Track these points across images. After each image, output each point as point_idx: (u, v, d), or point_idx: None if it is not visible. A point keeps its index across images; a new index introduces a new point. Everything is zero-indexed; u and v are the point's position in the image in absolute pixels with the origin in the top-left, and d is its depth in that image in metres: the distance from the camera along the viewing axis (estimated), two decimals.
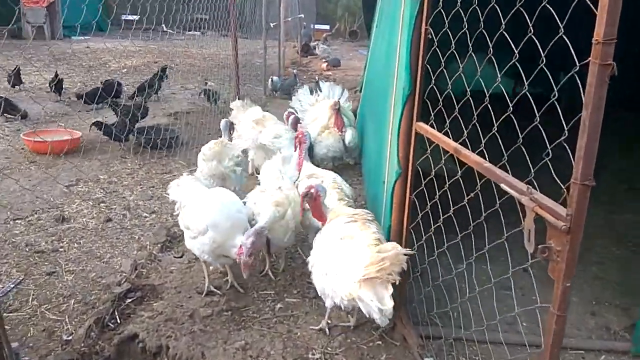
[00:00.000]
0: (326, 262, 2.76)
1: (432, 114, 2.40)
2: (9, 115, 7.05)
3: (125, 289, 3.28)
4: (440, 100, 2.30)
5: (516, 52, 1.70)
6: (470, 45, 2.06)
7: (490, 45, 1.90)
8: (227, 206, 3.23)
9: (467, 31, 2.10)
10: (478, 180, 1.91)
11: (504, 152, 1.76)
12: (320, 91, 6.44)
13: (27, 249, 3.75)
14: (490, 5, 1.91)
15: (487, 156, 1.90)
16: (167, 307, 3.17)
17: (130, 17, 16.00)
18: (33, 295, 3.22)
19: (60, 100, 8.47)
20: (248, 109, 5.68)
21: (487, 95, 1.85)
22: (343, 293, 2.56)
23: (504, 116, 1.74)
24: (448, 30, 2.21)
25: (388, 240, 2.84)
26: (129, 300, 3.23)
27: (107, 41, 14.21)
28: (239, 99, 6.68)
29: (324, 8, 22.95)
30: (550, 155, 1.50)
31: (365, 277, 2.41)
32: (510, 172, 1.73)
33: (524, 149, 1.64)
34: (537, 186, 1.58)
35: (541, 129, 1.57)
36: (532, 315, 3.14)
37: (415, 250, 2.69)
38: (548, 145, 1.49)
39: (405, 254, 2.44)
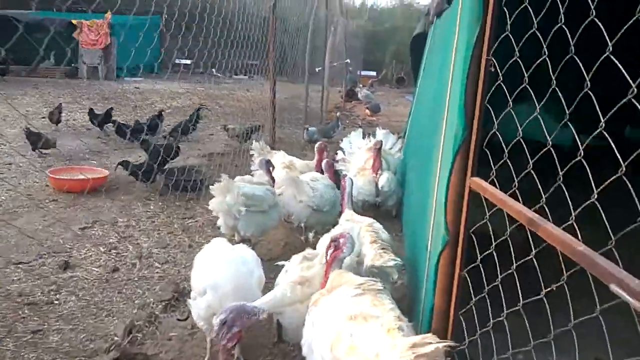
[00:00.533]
0: (330, 347, 1.95)
1: (494, 168, 1.82)
2: (44, 151, 6.97)
3: (112, 357, 2.77)
4: (506, 151, 1.73)
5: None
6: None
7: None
8: (235, 264, 2.70)
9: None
10: (564, 269, 1.30)
11: (609, 230, 1.16)
12: (374, 137, 5.95)
13: (18, 300, 3.34)
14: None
15: (578, 233, 1.30)
16: None
17: (184, 62, 16.52)
18: (9, 358, 2.76)
19: (102, 136, 8.46)
20: (268, 152, 5.26)
21: (581, 147, 1.26)
22: None
23: (611, 179, 1.15)
24: (519, 59, 1.66)
25: (429, 326, 2.22)
26: None
27: (157, 83, 14.57)
28: (274, 142, 6.30)
29: (372, 55, 22.95)
30: None
31: None
32: (619, 262, 1.13)
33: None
34: None
35: None
36: None
37: (466, 345, 2.05)
38: None
39: (448, 346, 1.71)
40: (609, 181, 1.13)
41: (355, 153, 5.71)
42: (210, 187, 4.00)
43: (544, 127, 1.65)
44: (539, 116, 1.60)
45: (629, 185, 1.17)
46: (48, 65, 15.44)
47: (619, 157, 1.11)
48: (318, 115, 12.01)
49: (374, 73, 21.69)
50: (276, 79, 6.61)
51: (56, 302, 3.39)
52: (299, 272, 2.62)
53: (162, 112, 9.07)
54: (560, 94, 1.49)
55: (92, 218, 4.80)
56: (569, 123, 1.45)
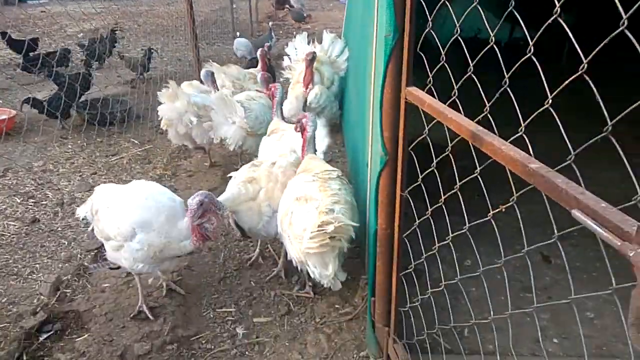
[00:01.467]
0: (281, 221, 2.50)
1: (431, 74, 1.58)
2: None
3: (39, 320, 2.53)
4: (443, 53, 1.48)
5: None
6: None
7: None
8: (154, 197, 2.45)
9: None
10: (514, 189, 1.14)
11: (569, 145, 0.98)
12: (320, 43, 5.38)
13: None
14: None
15: (530, 146, 1.11)
16: (92, 343, 2.43)
17: None
18: None
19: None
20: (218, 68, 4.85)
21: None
22: (294, 256, 2.41)
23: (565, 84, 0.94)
24: None
25: (374, 249, 2.09)
26: (44, 336, 2.49)
27: (66, 4, 12.97)
28: (198, 61, 5.75)
29: None
30: None
31: (307, 252, 2.23)
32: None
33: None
34: None
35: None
36: (564, 325, 2.47)
37: (412, 269, 1.94)
38: None
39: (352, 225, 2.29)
40: (568, 81, 0.92)
41: (300, 61, 5.24)
42: (158, 93, 4.00)
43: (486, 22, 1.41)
44: (479, 8, 1.35)
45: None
46: None
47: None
48: (248, 27, 11.17)
49: None
50: None
51: None
52: (247, 173, 2.76)
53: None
54: None
55: (2, 165, 4.29)
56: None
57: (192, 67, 7.16)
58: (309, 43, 5.45)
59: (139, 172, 4.29)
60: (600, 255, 0.85)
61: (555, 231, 1.07)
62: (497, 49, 1.21)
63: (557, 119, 0.96)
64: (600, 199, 0.84)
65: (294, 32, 11.61)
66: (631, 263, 0.75)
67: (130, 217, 2.36)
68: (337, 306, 2.75)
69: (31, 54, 7.23)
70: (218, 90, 4.21)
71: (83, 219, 2.68)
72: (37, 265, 3.04)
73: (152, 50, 6.97)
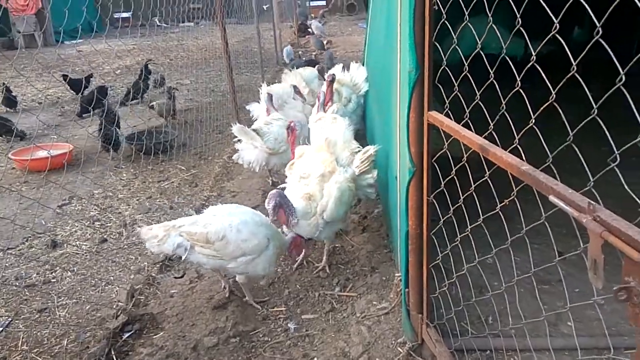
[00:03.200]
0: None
1: (447, 101, 1.99)
2: (7, 137, 6.66)
3: (121, 322, 2.97)
4: (456, 84, 1.89)
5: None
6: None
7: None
8: (255, 213, 3.10)
9: None
10: (514, 185, 1.52)
11: (546, 148, 1.37)
12: (348, 71, 5.97)
13: (17, 284, 3.46)
14: None
15: (522, 153, 1.50)
16: (168, 339, 2.86)
17: (123, 15, 15.66)
18: (23, 338, 2.93)
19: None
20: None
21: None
22: None
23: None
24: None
25: (406, 247, 2.48)
26: (127, 335, 2.92)
27: (101, 42, 13.88)
28: (234, 91, 6.29)
29: None
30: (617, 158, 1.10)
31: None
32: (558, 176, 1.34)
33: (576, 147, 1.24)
34: (598, 197, 1.19)
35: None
36: (577, 311, 2.79)
37: (440, 260, 2.32)
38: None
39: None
40: (561, 83, 1.30)
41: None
42: (234, 128, 4.44)
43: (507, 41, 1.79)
44: (494, 27, 1.70)
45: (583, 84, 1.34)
46: None
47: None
48: (273, 56, 11.81)
49: (323, 2, 21.08)
50: (225, 24, 6.45)
51: (53, 280, 3.53)
52: (301, 188, 3.24)
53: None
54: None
55: (67, 194, 4.83)
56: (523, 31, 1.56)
57: (225, 96, 7.74)
58: (342, 70, 6.01)
59: (188, 194, 4.78)
60: (607, 250, 1.15)
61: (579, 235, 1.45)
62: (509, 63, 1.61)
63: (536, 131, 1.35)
64: (568, 187, 1.23)
65: (315, 57, 12.19)
66: (585, 227, 1.13)
67: (261, 231, 2.90)
68: (374, 303, 3.11)
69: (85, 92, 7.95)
70: (276, 110, 4.79)
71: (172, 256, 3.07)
72: (111, 277, 3.50)
73: (172, 90, 7.21)
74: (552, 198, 1.24)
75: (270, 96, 4.84)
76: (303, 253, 3.43)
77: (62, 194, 4.84)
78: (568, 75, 1.19)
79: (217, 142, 6.26)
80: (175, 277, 3.47)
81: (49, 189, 5.00)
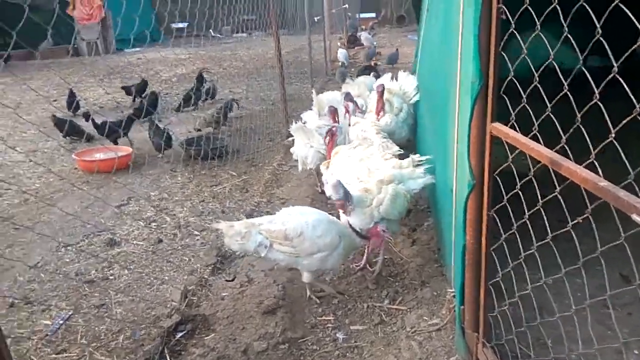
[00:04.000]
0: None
1: (513, 113, 1.94)
2: (75, 137, 7.03)
3: (174, 321, 3.05)
4: (524, 95, 1.83)
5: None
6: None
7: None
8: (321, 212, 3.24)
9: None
10: (588, 203, 1.46)
11: (627, 162, 1.30)
12: (396, 80, 6.03)
13: (77, 279, 3.62)
14: None
15: (598, 168, 1.43)
16: (219, 341, 2.90)
17: (180, 25, 16.29)
18: (81, 332, 3.05)
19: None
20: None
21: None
22: None
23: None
24: (529, 7, 1.74)
25: (463, 263, 2.41)
26: (180, 334, 2.99)
27: (159, 51, 14.51)
28: (285, 100, 6.39)
29: None
30: None
31: None
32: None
33: None
34: None
35: None
36: None
37: (500, 278, 2.24)
38: None
39: None
40: (628, 118, 1.25)
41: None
42: (293, 127, 4.72)
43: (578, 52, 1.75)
44: (565, 46, 1.66)
45: None
46: (48, 46, 15.34)
47: None
48: (322, 67, 11.93)
49: (373, 15, 21.13)
50: (279, 35, 6.58)
51: (111, 277, 3.68)
52: (358, 185, 3.42)
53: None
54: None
55: (126, 195, 5.03)
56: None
57: (276, 105, 7.87)
58: (391, 79, 6.04)
59: (239, 199, 4.88)
60: None
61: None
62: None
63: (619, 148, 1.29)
64: None
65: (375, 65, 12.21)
66: None
67: (334, 229, 3.03)
68: (425, 318, 3.05)
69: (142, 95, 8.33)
70: (338, 122, 4.93)
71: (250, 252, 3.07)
72: (166, 277, 3.61)
73: (232, 102, 7.40)
74: (635, 217, 1.18)
75: (334, 109, 4.99)
76: (381, 245, 3.43)
77: (121, 195, 5.04)
78: None
79: (268, 150, 6.36)
80: (227, 280, 3.53)
81: (108, 190, 5.22)
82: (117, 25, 15.80)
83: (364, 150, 3.92)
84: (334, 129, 4.31)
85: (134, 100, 8.79)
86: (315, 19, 13.16)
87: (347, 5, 16.29)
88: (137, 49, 15.81)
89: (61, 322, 3.14)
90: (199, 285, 3.45)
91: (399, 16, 20.74)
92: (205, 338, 2.96)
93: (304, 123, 5.11)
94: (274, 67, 8.33)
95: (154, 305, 3.30)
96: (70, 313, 3.23)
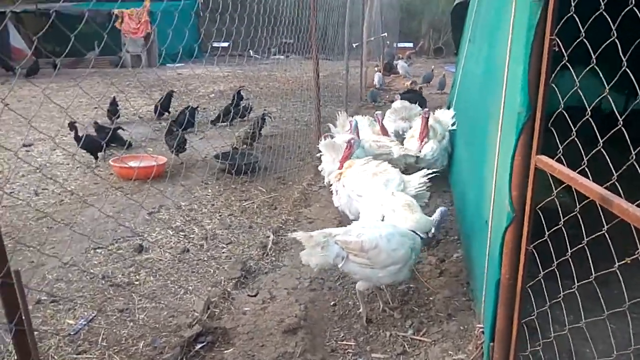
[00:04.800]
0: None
1: (561, 147, 1.89)
2: (114, 145, 7.17)
3: (195, 332, 3.03)
4: (574, 129, 1.79)
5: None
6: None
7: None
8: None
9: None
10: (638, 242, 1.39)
11: None
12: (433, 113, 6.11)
13: (103, 282, 3.66)
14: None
15: None
16: (237, 356, 2.87)
17: (222, 44, 16.74)
18: (103, 335, 3.06)
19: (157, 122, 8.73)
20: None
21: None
22: None
23: None
24: (585, 39, 1.71)
25: (496, 298, 2.33)
26: (199, 345, 2.97)
27: (198, 68, 14.91)
28: (319, 122, 6.43)
29: (408, 26, 22.42)
30: None
31: None
32: None
33: None
34: None
35: None
36: None
37: (535, 316, 2.15)
38: None
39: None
40: None
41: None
42: (321, 143, 4.84)
43: (611, 100, 1.72)
44: (606, 91, 1.65)
45: None
46: (93, 56, 15.96)
47: None
48: (357, 92, 12.00)
49: (410, 44, 21.24)
50: (319, 58, 6.67)
51: (136, 282, 3.70)
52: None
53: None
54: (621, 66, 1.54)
55: (157, 203, 5.10)
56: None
57: (309, 126, 7.93)
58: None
59: (267, 215, 4.88)
60: None
61: None
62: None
63: None
64: None
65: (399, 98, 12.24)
66: None
67: (407, 242, 3.07)
68: (450, 352, 2.94)
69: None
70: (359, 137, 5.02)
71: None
72: (190, 287, 3.61)
73: (265, 116, 7.49)
74: None
75: (355, 122, 5.18)
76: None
77: (153, 203, 5.12)
78: None
79: (298, 169, 6.38)
80: (249, 295, 3.50)
81: (141, 196, 5.31)
82: (163, 40, 16.36)
83: (377, 166, 4.07)
84: (352, 140, 4.41)
85: (158, 115, 8.93)
86: (354, 45, 13.31)
87: (385, 34, 16.42)
88: (179, 64, 16.30)
89: (84, 322, 3.16)
90: (222, 298, 3.43)
91: (437, 47, 20.79)
92: (225, 352, 2.92)
93: (333, 139, 5.15)
94: (309, 90, 8.45)
95: (176, 314, 3.29)
96: (93, 314, 3.26)
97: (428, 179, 4.02)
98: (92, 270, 3.82)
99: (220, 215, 4.86)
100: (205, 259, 4.02)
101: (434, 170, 5.12)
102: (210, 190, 5.53)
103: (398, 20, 21.20)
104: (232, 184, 5.62)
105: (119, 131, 6.87)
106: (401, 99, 7.83)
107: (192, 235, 4.44)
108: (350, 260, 3.02)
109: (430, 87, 13.16)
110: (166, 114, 8.80)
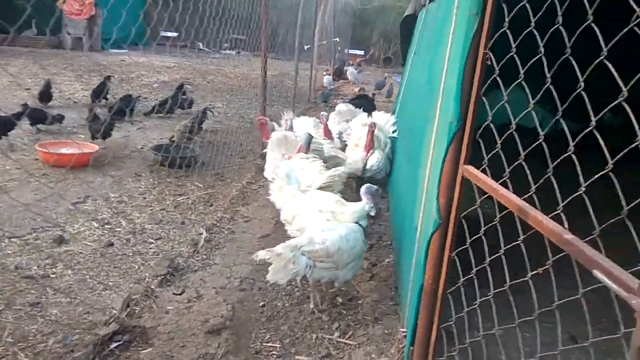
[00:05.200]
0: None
1: (486, 158, 1.93)
2: (41, 125, 6.69)
3: (111, 330, 2.86)
4: (499, 141, 1.83)
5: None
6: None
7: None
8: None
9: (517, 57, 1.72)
10: (550, 255, 1.43)
11: (594, 218, 1.28)
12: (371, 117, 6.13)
13: (15, 273, 3.39)
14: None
15: (564, 220, 1.42)
16: (155, 357, 2.73)
17: (169, 34, 16.20)
18: (9, 330, 2.83)
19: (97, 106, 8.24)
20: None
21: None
22: None
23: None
24: (516, 55, 1.76)
25: (418, 302, 2.36)
26: (114, 344, 2.80)
27: (143, 56, 14.38)
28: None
29: (360, 34, 22.78)
30: None
31: None
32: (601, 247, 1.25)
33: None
34: None
35: None
36: None
37: (453, 322, 2.19)
38: None
39: None
40: (595, 177, 1.24)
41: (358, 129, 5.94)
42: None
43: (535, 117, 1.78)
44: (531, 105, 1.70)
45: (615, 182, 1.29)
46: (30, 35, 14.98)
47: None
48: (306, 94, 12.01)
49: (361, 52, 21.59)
50: (267, 56, 6.59)
51: (52, 275, 3.46)
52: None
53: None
54: (545, 83, 1.60)
55: (84, 193, 4.82)
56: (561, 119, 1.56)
57: (253, 124, 7.81)
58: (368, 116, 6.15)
59: (201, 212, 4.74)
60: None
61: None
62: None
63: (589, 205, 1.27)
64: (615, 264, 1.14)
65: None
66: (634, 309, 1.04)
67: (359, 237, 3.22)
68: (373, 355, 2.96)
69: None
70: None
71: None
72: (110, 283, 3.42)
73: (207, 110, 7.23)
74: (596, 273, 1.15)
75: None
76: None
77: (79, 193, 4.83)
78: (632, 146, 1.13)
79: (239, 167, 6.26)
80: (174, 294, 3.36)
81: (66, 185, 5.00)
82: (108, 25, 15.63)
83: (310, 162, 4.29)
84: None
85: (93, 101, 8.46)
86: (306, 47, 13.32)
87: (337, 39, 16.59)
88: (123, 50, 15.63)
89: None
90: (144, 296, 3.27)
91: (386, 57, 21.26)
92: (141, 352, 2.78)
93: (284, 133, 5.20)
94: (256, 87, 8.33)
95: (92, 311, 3.10)
96: (0, 308, 3.00)
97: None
98: (3, 261, 3.53)
99: (151, 209, 4.66)
100: (131, 254, 3.83)
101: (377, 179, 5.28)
102: (143, 183, 5.30)
103: (350, 26, 21.50)
104: (167, 177, 5.42)
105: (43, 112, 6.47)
106: (351, 103, 7.93)
107: (118, 229, 4.22)
108: (317, 268, 3.07)
109: (380, 94, 13.40)
110: (103, 101, 8.35)
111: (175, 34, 16.05)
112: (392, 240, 4.41)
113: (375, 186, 3.51)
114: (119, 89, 10.60)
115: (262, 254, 2.94)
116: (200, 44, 17.00)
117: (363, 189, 3.51)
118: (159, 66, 14.11)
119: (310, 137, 4.67)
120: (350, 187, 5.38)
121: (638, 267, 1.10)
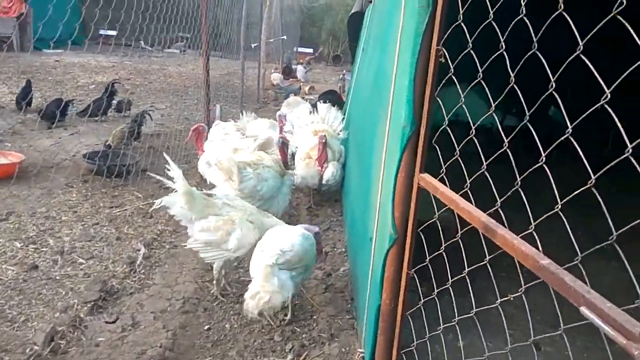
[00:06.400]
0: None
1: (444, 166, 1.74)
2: None
3: None
4: (458, 149, 1.65)
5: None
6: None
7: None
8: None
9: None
10: (522, 281, 1.25)
11: (574, 242, 1.11)
12: (317, 113, 5.85)
13: None
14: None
15: (539, 242, 1.24)
16: None
17: (108, 33, 15.36)
18: None
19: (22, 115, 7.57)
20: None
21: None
22: None
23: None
24: (472, 52, 1.57)
25: (376, 323, 2.16)
26: None
27: (80, 56, 13.52)
28: (208, 122, 6.00)
29: (308, 32, 22.57)
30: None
31: None
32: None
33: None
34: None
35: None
36: None
37: (414, 347, 2.00)
38: None
39: None
40: (575, 193, 1.06)
41: (302, 130, 5.65)
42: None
43: (495, 116, 1.61)
44: (492, 109, 1.54)
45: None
46: None
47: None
48: (254, 93, 11.67)
49: (310, 50, 21.37)
50: (210, 54, 6.24)
51: None
52: None
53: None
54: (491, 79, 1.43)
55: (6, 209, 4.33)
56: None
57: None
58: (310, 113, 5.94)
59: (140, 225, 4.35)
60: (588, 346, 0.95)
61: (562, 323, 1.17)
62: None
63: (566, 223, 1.09)
64: (605, 299, 0.96)
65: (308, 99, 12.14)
66: None
67: (310, 237, 3.10)
68: None
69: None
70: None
71: None
72: (33, 313, 3.02)
73: (145, 114, 6.77)
74: (585, 311, 0.97)
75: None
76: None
77: (1, 208, 4.33)
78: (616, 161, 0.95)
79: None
80: (107, 322, 3.01)
81: None
82: (37, 23, 14.60)
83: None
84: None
85: (19, 108, 7.78)
86: (252, 45, 12.96)
87: (285, 37, 16.30)
88: (58, 50, 14.66)
89: None
90: (71, 326, 2.90)
91: (335, 55, 21.14)
92: None
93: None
94: (201, 87, 7.93)
95: (11, 347, 2.71)
96: None
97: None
98: None
99: (83, 225, 4.23)
100: (58, 277, 3.43)
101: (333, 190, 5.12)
102: (74, 195, 4.83)
103: (299, 24, 21.24)
104: (102, 187, 4.97)
105: None
106: (320, 99, 7.81)
107: (44, 249, 3.79)
108: (294, 274, 2.98)
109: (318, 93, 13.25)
110: (28, 106, 7.66)
111: (114, 32, 15.27)
112: (348, 247, 4.21)
113: (316, 228, 3.29)
114: (52, 91, 9.88)
115: (247, 301, 2.86)
116: (142, 42, 16.29)
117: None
118: (98, 66, 13.34)
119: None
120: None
121: (635, 305, 0.92)
